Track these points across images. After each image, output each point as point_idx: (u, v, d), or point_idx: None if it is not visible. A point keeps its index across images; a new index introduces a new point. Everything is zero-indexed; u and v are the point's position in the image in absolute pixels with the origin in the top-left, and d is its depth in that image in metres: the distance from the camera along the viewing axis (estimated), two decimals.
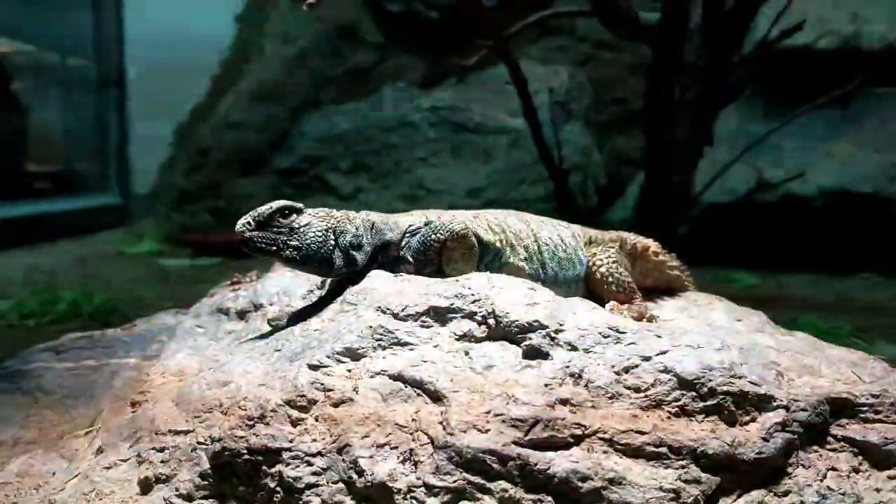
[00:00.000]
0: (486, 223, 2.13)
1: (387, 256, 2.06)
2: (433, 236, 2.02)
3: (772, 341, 2.13)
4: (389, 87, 7.85)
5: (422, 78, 7.94)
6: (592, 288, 2.24)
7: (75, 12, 9.07)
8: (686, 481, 1.55)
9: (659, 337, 1.75)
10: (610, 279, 2.22)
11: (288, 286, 2.46)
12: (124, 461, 1.81)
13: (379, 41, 8.09)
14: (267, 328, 2.23)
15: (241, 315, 2.51)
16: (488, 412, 1.56)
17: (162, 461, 1.75)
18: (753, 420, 1.66)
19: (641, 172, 7.35)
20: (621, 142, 7.97)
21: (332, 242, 2.00)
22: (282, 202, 2.02)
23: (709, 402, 1.65)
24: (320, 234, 1.99)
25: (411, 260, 2.04)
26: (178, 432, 1.78)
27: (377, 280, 1.97)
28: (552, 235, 2.23)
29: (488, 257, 2.08)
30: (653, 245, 2.54)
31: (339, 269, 2.02)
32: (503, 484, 1.49)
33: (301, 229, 1.98)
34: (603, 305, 2.08)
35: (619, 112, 7.98)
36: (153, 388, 2.28)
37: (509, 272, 2.04)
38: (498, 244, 2.10)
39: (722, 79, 4.49)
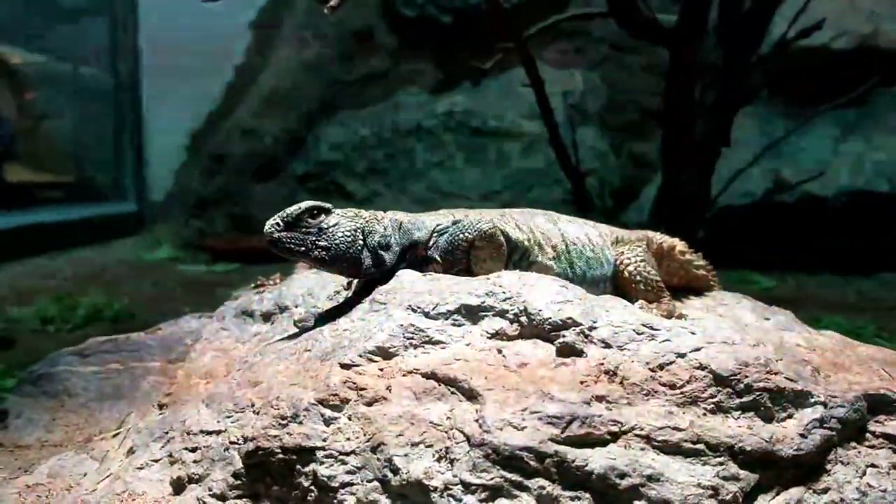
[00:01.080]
0: (514, 222, 2.12)
1: (415, 256, 2.06)
2: (461, 235, 2.01)
3: (801, 340, 2.10)
4: (404, 91, 7.87)
5: (436, 83, 7.95)
6: (620, 287, 2.22)
7: (91, 21, 9.13)
8: (724, 478, 1.53)
9: (693, 333, 1.74)
10: (638, 278, 2.20)
11: (313, 287, 2.46)
12: (156, 461, 1.81)
13: (394, 46, 8.11)
14: (294, 329, 2.23)
15: (267, 317, 2.51)
16: (524, 409, 1.54)
17: (194, 461, 1.75)
18: (790, 416, 1.64)
19: (656, 175, 7.34)
20: (636, 144, 7.95)
21: (361, 242, 2.00)
22: (310, 202, 2.03)
23: (745, 399, 1.64)
24: (349, 234, 1.99)
25: (439, 259, 2.04)
26: (209, 432, 1.78)
27: (407, 279, 1.96)
28: (580, 234, 2.22)
29: (516, 256, 2.07)
30: (679, 244, 2.52)
31: (367, 269, 2.02)
32: (541, 481, 1.48)
33: (330, 229, 1.99)
34: (631, 304, 2.06)
35: (634, 115, 7.96)
36: (180, 390, 2.29)
37: (538, 271, 2.03)
38: (526, 243, 2.09)
39: (739, 80, 4.47)
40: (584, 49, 7.95)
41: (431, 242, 2.05)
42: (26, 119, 8.20)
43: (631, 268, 2.23)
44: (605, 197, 7.04)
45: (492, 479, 1.48)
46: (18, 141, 8.08)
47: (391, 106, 7.77)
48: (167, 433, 1.87)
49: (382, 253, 2.02)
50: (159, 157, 9.14)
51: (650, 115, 7.75)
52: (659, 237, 2.49)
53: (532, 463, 1.48)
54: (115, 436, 2.25)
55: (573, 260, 2.16)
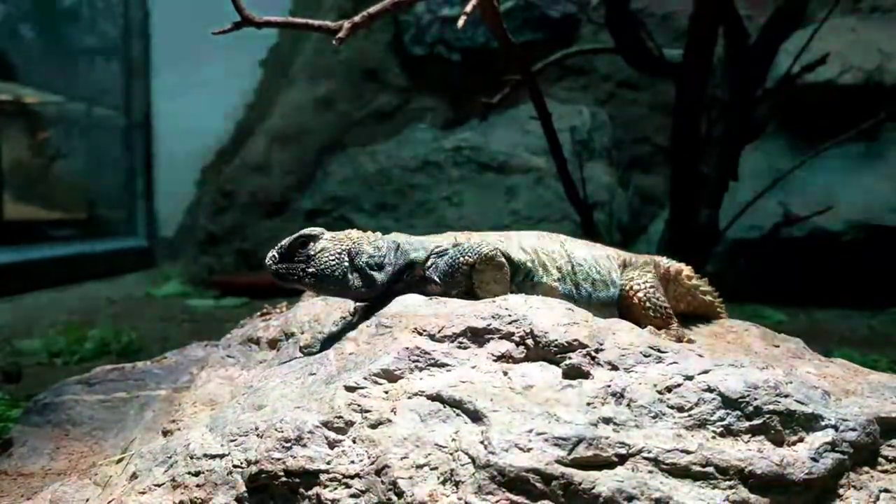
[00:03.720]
0: (518, 243, 2.12)
1: (413, 276, 2.06)
2: (461, 259, 2.01)
3: (811, 367, 2.08)
4: (413, 128, 7.93)
5: (445, 119, 8.02)
6: (628, 311, 2.19)
7: (104, 61, 9.29)
8: (734, 502, 1.50)
9: (700, 356, 1.72)
10: (648, 304, 2.18)
11: (319, 314, 2.45)
12: (159, 486, 1.79)
13: (403, 84, 8.20)
14: (300, 355, 2.22)
15: (273, 344, 2.50)
16: (530, 431, 1.53)
17: (197, 485, 1.73)
18: (801, 440, 1.62)
19: (664, 210, 7.35)
20: (643, 180, 7.98)
21: (347, 264, 2.03)
22: (301, 231, 2.09)
23: (755, 422, 1.61)
24: (334, 257, 2.04)
25: (438, 281, 2.04)
26: (213, 456, 1.76)
27: (411, 302, 1.96)
28: (587, 256, 2.20)
29: (519, 277, 2.07)
30: (686, 269, 2.49)
31: (357, 290, 2.05)
32: (547, 503, 1.45)
33: (317, 255, 2.04)
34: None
35: (641, 150, 8.00)
36: (185, 417, 2.28)
37: (542, 292, 2.03)
38: (529, 264, 2.09)
39: (746, 114, 4.49)
40: (590, 86, 8.02)
41: (430, 263, 2.06)
42: (40, 158, 8.30)
43: (641, 294, 2.21)
44: (612, 231, 7.04)
45: (497, 501, 1.46)
46: (32, 179, 8.17)
47: (400, 142, 7.82)
48: (170, 457, 1.85)
49: (373, 273, 2.04)
50: (169, 193, 9.22)
51: (657, 151, 7.79)
52: (666, 262, 2.47)
53: (538, 485, 1.46)
54: (118, 461, 2.23)
55: (579, 282, 2.14)
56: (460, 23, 3.04)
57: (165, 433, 2.24)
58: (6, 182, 7.37)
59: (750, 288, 5.79)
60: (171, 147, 9.18)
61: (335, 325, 2.33)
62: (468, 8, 3.07)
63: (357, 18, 2.94)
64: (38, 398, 2.87)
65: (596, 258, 2.23)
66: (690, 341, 2.13)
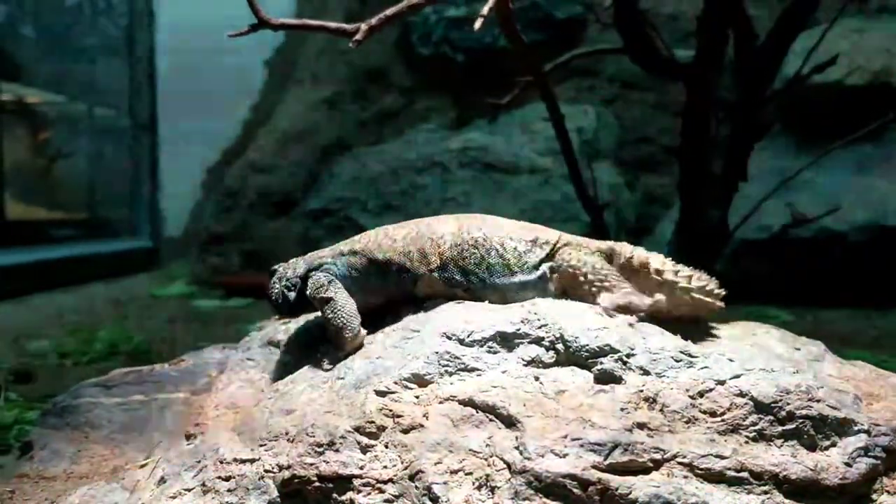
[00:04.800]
0: (400, 235, 2.12)
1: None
2: (309, 292, 2.13)
3: (833, 370, 2.08)
4: (419, 128, 7.92)
5: (451, 120, 8.03)
6: (570, 291, 1.98)
7: (108, 61, 9.28)
8: None
9: (731, 361, 1.73)
10: (580, 272, 1.95)
11: None
12: (188, 490, 1.79)
13: (408, 84, 8.21)
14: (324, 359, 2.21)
15: None
16: (565, 436, 1.53)
17: (228, 490, 1.73)
18: (834, 445, 1.62)
19: (670, 210, 7.36)
20: (649, 180, 7.98)
21: (278, 288, 2.25)
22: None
23: (787, 427, 1.62)
24: (273, 284, 2.28)
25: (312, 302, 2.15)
26: (243, 461, 1.76)
27: (440, 307, 1.96)
28: (490, 238, 2.03)
29: (393, 275, 2.07)
30: (654, 260, 2.04)
31: (283, 312, 2.34)
32: None
33: (271, 286, 2.29)
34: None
35: (647, 151, 8.01)
36: (208, 421, 2.28)
37: (426, 284, 2.03)
38: (400, 258, 2.06)
39: (755, 114, 4.49)
40: (596, 86, 8.03)
41: (309, 283, 2.15)
42: (43, 158, 8.30)
43: (573, 262, 1.97)
44: (620, 233, 7.04)
45: None
46: (34, 179, 8.17)
47: (405, 142, 7.82)
48: (199, 462, 1.85)
49: (288, 293, 2.21)
50: (175, 194, 9.22)
51: (663, 151, 7.80)
52: (629, 250, 2.06)
53: (575, 490, 1.46)
54: (142, 466, 2.23)
55: (467, 267, 2.00)
56: (477, 24, 3.02)
57: (189, 437, 2.24)
58: (9, 183, 7.37)
59: (756, 288, 5.79)
60: (176, 147, 9.18)
61: None
62: (485, 10, 3.05)
63: (374, 21, 2.93)
64: (56, 401, 2.86)
65: (504, 241, 2.02)
66: (658, 306, 1.95)
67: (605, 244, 2.09)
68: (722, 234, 4.55)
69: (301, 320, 2.63)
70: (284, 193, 8.11)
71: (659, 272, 2.00)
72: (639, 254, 2.05)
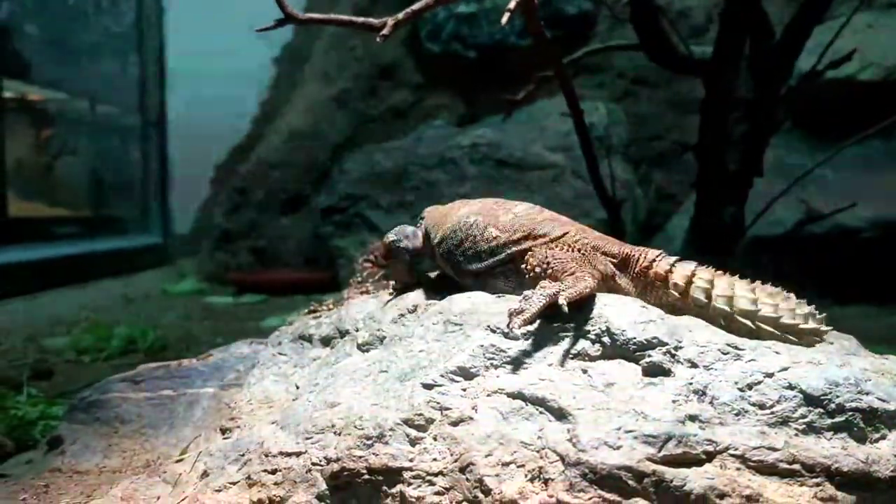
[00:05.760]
0: (447, 208, 2.32)
1: None
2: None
3: (867, 364, 2.08)
4: (429, 124, 7.92)
5: (461, 116, 8.02)
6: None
7: (118, 58, 9.28)
8: (822, 499, 1.51)
9: (778, 353, 1.72)
10: (531, 265, 1.86)
11: (374, 312, 2.44)
12: (234, 483, 1.80)
13: (418, 81, 8.20)
14: (358, 353, 2.21)
15: (326, 342, 2.49)
16: (618, 428, 1.53)
17: (275, 483, 1.73)
18: (884, 437, 1.62)
19: (681, 207, 7.35)
20: (660, 177, 7.98)
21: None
22: None
23: (837, 419, 1.62)
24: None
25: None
26: (289, 454, 1.76)
27: (479, 300, 1.96)
28: (478, 224, 2.04)
29: (427, 244, 2.29)
30: (677, 272, 1.83)
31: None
32: (639, 501, 1.46)
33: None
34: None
35: (658, 147, 8.00)
36: (243, 415, 2.28)
37: (436, 256, 2.23)
38: (429, 228, 2.29)
39: (771, 111, 4.49)
40: (607, 83, 8.02)
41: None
42: (49, 155, 8.29)
43: (537, 255, 1.87)
44: (632, 229, 7.03)
45: (590, 498, 1.46)
46: (47, 175, 8.17)
47: (416, 139, 7.81)
48: (243, 455, 1.86)
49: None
50: (184, 190, 9.22)
51: (674, 148, 7.79)
52: (647, 256, 1.88)
53: (631, 482, 1.46)
54: (177, 461, 2.23)
55: (451, 248, 2.09)
56: (504, 19, 3.02)
57: (224, 431, 2.25)
58: (14, 180, 7.35)
59: (770, 283, 5.78)
60: (186, 144, 9.18)
61: (394, 322, 2.32)
62: (512, 4, 3.05)
63: (401, 15, 2.92)
64: (83, 396, 2.87)
65: (486, 228, 2.01)
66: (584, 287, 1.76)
67: (623, 249, 1.92)
68: (737, 231, 4.56)
69: (332, 314, 2.64)
70: (294, 190, 8.11)
71: (678, 286, 1.81)
72: (660, 263, 1.85)
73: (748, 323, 1.79)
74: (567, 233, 1.94)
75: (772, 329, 1.80)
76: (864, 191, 6.29)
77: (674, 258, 1.87)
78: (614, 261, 1.90)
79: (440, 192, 7.35)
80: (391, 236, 2.38)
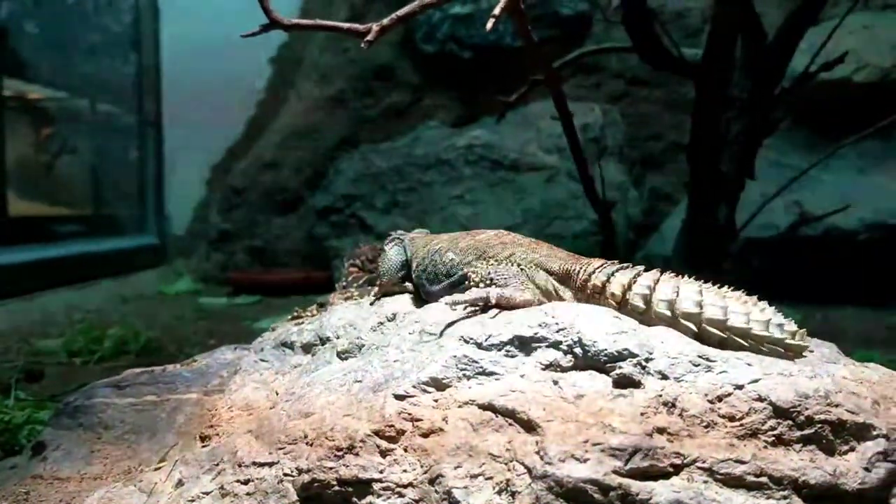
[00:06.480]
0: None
1: None
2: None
3: (847, 372, 2.07)
4: (425, 125, 7.92)
5: (457, 117, 8.02)
6: None
7: (114, 57, 9.28)
8: None
9: (749, 365, 1.72)
10: (472, 280, 2.04)
11: (354, 319, 2.45)
12: (207, 494, 1.80)
13: (414, 81, 8.20)
14: (338, 361, 2.22)
15: (307, 349, 2.50)
16: (586, 441, 1.53)
17: (247, 493, 1.73)
18: (853, 450, 1.62)
19: (676, 207, 7.35)
20: (655, 178, 7.98)
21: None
22: None
23: (806, 431, 1.62)
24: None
25: None
26: (262, 464, 1.77)
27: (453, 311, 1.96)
28: (441, 251, 2.27)
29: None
30: (615, 281, 1.87)
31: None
32: None
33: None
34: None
35: (653, 148, 8.00)
36: (222, 423, 2.29)
37: (413, 276, 2.41)
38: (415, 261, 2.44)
39: (764, 113, 4.48)
40: (602, 83, 8.01)
41: None
42: (48, 154, 8.30)
43: (475, 277, 2.05)
44: (626, 230, 7.03)
45: None
46: (42, 175, 8.17)
47: (411, 140, 7.82)
48: (217, 465, 1.86)
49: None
50: (180, 190, 9.23)
51: (669, 149, 7.79)
52: (590, 269, 1.93)
53: (596, 496, 1.47)
54: (155, 469, 2.23)
55: (420, 273, 2.33)
56: (489, 25, 3.02)
57: (203, 438, 2.26)
58: (16, 179, 7.36)
59: (764, 286, 5.77)
60: (181, 144, 9.18)
61: (373, 330, 2.33)
62: (497, 10, 3.05)
63: (386, 21, 2.93)
64: (69, 401, 2.87)
65: (447, 252, 2.22)
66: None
67: (564, 266, 1.99)
68: (729, 233, 4.56)
69: (315, 321, 2.64)
70: (291, 191, 8.12)
71: (615, 296, 1.86)
72: (598, 276, 1.90)
73: (716, 332, 1.78)
74: (513, 253, 2.06)
75: (741, 339, 1.78)
76: (860, 192, 6.30)
77: (616, 268, 1.91)
78: (556, 276, 1.99)
79: (435, 193, 7.36)
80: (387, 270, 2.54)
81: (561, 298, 1.97)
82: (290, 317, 2.88)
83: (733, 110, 4.37)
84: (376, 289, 2.58)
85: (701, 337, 1.80)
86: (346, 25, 2.94)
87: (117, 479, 2.33)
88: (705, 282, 1.87)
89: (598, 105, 7.63)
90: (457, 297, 1.94)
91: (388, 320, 2.32)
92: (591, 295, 1.91)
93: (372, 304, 2.47)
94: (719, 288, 1.86)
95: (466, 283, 2.04)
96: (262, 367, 2.55)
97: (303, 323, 2.68)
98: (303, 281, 7.34)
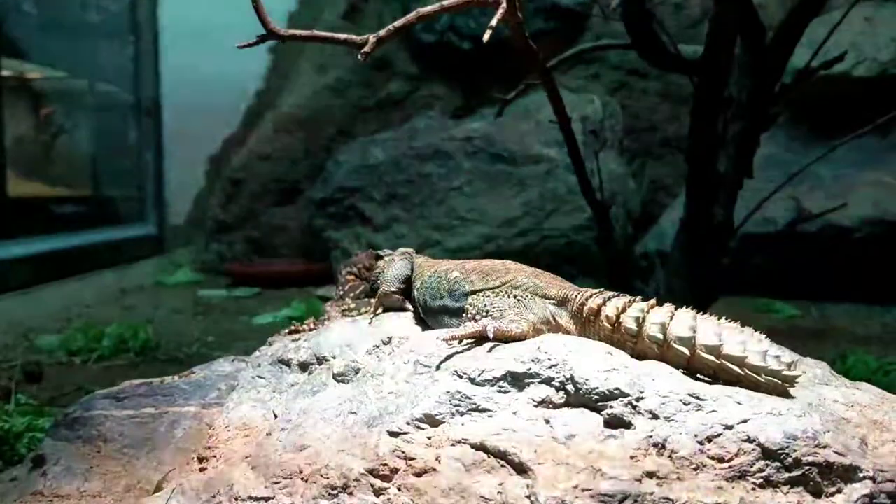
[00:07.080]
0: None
1: None
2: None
3: (838, 394, 2.10)
4: (423, 116, 7.90)
5: (455, 108, 8.00)
6: None
7: (113, 45, 9.22)
8: None
9: (739, 403, 1.74)
10: (471, 311, 2.07)
11: (352, 339, 2.46)
12: None
13: (412, 72, 8.17)
14: (333, 383, 2.24)
15: (304, 367, 2.51)
16: (576, 486, 1.55)
17: None
18: (839, 491, 1.64)
19: (675, 200, 7.35)
20: (654, 169, 7.97)
21: None
22: None
23: (794, 473, 1.64)
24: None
25: None
26: (258, 499, 1.79)
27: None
28: (449, 269, 2.30)
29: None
30: (610, 305, 1.89)
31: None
32: None
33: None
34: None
35: (652, 139, 7.99)
36: (220, 444, 2.31)
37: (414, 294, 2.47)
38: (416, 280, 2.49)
39: (763, 111, 4.48)
40: (601, 75, 7.98)
41: None
42: (44, 136, 8.27)
43: (472, 309, 2.10)
44: (626, 224, 7.04)
45: None
46: (39, 165, 8.15)
47: (410, 131, 7.79)
48: (214, 497, 1.88)
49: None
50: (179, 181, 9.22)
51: (668, 140, 7.77)
52: (587, 293, 1.96)
53: None
54: (156, 492, 2.26)
55: (423, 292, 2.35)
56: (485, 37, 3.01)
57: (201, 460, 2.28)
58: (11, 161, 7.32)
59: (762, 282, 5.81)
60: (180, 134, 9.16)
61: (368, 353, 2.34)
62: (493, 22, 3.04)
63: (382, 32, 2.94)
64: (68, 412, 2.90)
65: (451, 271, 2.26)
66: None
67: (562, 292, 2.00)
68: (727, 230, 4.57)
69: (312, 338, 2.66)
70: (289, 181, 8.12)
71: (610, 319, 1.87)
72: (594, 300, 1.91)
73: (710, 358, 1.77)
74: (515, 277, 2.10)
75: (736, 367, 1.77)
76: (859, 188, 6.30)
77: (612, 294, 1.92)
78: (554, 301, 2.03)
79: (434, 185, 7.36)
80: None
81: (558, 323, 2.00)
82: (286, 330, 2.90)
83: (732, 109, 4.38)
84: (374, 300, 2.63)
85: (694, 365, 1.82)
86: (343, 37, 2.94)
87: (117, 498, 2.36)
88: (703, 313, 1.86)
89: (598, 96, 7.60)
90: (453, 331, 1.96)
91: (384, 343, 2.33)
92: (587, 319, 1.94)
93: (370, 322, 2.48)
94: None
95: (464, 314, 2.09)
96: (259, 385, 2.57)
97: (300, 339, 2.70)
98: (302, 274, 7.35)
